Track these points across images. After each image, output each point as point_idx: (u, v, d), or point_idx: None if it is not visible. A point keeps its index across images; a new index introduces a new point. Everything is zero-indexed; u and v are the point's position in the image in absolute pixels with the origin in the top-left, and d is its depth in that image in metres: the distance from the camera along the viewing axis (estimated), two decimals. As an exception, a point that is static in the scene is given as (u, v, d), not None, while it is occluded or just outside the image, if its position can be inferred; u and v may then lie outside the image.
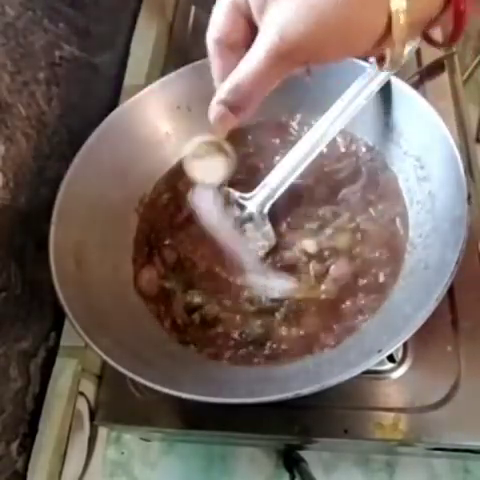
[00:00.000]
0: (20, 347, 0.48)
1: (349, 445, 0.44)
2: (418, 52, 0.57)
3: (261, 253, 0.44)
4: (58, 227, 0.41)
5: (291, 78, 0.47)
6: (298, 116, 0.51)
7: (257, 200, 0.45)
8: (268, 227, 0.45)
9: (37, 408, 0.50)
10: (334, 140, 0.49)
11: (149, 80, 0.58)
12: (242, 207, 0.45)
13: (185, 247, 0.47)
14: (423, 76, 0.55)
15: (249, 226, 0.45)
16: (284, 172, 0.44)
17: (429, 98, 0.41)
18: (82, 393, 0.49)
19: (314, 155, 0.43)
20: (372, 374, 0.42)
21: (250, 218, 0.45)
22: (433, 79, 0.55)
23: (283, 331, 0.41)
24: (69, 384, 0.50)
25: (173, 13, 0.71)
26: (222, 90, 0.28)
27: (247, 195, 0.45)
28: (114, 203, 0.47)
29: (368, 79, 0.43)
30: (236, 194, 0.45)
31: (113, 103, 0.62)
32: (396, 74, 0.44)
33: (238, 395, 0.33)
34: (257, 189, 0.45)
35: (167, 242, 0.48)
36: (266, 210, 0.45)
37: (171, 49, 0.68)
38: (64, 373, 0.51)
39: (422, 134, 0.41)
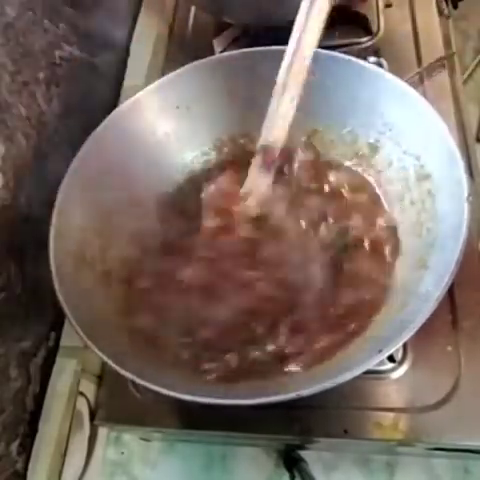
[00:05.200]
0: (20, 347, 0.48)
1: (349, 445, 0.44)
2: (418, 52, 0.57)
3: None
4: (58, 227, 0.41)
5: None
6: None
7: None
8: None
9: (37, 408, 0.50)
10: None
11: (149, 80, 0.58)
12: None
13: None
14: (423, 76, 0.55)
15: None
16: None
17: (429, 98, 0.41)
18: (82, 393, 0.49)
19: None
20: (372, 374, 0.41)
21: None
22: (433, 79, 0.55)
23: (284, 335, 0.41)
24: (69, 384, 0.50)
25: (173, 13, 0.71)
26: None
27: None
28: (114, 203, 0.47)
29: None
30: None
31: (113, 103, 0.62)
32: (396, 73, 0.44)
33: (238, 395, 0.33)
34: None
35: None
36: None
37: (171, 49, 0.68)
38: (64, 373, 0.51)
39: (422, 134, 0.41)
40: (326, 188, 0.48)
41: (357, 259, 0.43)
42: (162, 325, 0.42)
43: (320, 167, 0.49)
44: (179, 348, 0.40)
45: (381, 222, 0.45)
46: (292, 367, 0.39)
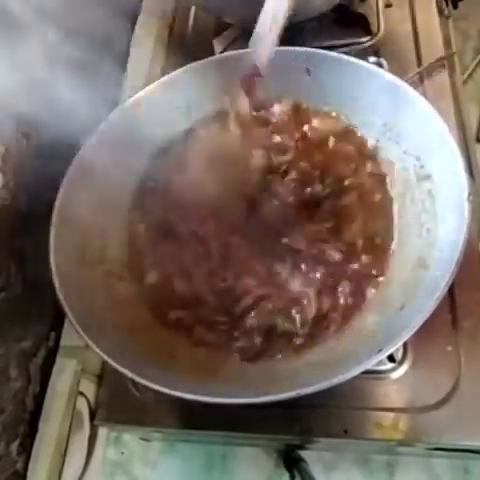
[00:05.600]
0: (20, 347, 0.48)
1: (349, 445, 0.44)
2: (418, 52, 0.57)
3: None
4: (58, 227, 0.41)
5: (291, 77, 0.47)
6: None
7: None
8: None
9: (37, 408, 0.50)
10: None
11: (149, 80, 0.58)
12: None
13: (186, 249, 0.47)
14: (423, 76, 0.55)
15: None
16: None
17: (429, 98, 0.41)
18: (82, 393, 0.49)
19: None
20: (372, 374, 0.42)
21: None
22: (433, 79, 0.55)
23: (284, 331, 0.41)
24: (69, 384, 0.50)
25: (173, 13, 0.71)
26: None
27: None
28: (114, 203, 0.47)
29: None
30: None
31: (113, 103, 0.62)
32: (396, 73, 0.44)
33: (238, 395, 0.33)
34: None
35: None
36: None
37: (171, 49, 0.68)
38: (64, 373, 0.51)
39: (422, 133, 0.41)
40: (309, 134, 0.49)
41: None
42: (198, 314, 0.43)
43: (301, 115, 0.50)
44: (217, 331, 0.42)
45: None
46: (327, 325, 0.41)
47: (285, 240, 0.44)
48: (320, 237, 0.44)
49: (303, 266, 0.43)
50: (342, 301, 0.41)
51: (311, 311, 0.41)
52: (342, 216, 0.45)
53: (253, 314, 0.42)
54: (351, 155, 0.47)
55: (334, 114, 0.48)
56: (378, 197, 0.45)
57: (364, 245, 0.43)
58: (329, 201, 0.46)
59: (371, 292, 0.41)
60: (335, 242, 0.44)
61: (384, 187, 0.45)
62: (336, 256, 0.43)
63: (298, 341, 0.41)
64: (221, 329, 0.42)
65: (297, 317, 0.41)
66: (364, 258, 0.43)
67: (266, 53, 0.41)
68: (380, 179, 0.46)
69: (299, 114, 0.50)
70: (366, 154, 0.47)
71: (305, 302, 0.42)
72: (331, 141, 0.48)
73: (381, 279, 0.42)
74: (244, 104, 0.43)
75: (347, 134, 0.48)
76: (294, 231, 0.44)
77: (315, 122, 0.49)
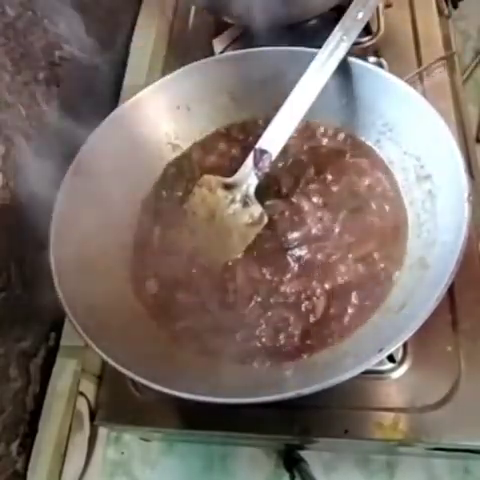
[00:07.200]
0: (20, 347, 0.48)
1: (349, 445, 0.44)
2: (418, 52, 0.58)
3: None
4: (58, 227, 0.41)
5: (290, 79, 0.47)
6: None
7: (240, 184, 0.45)
8: (255, 208, 0.45)
9: (37, 408, 0.50)
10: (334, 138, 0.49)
11: (149, 80, 0.58)
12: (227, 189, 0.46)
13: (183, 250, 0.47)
14: (423, 76, 0.55)
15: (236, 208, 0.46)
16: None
17: (429, 98, 0.41)
18: (82, 393, 0.49)
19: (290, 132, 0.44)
20: (372, 374, 0.42)
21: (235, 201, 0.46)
22: (433, 79, 0.55)
23: (284, 331, 0.41)
24: (69, 384, 0.50)
25: (173, 13, 0.71)
26: None
27: (230, 180, 0.46)
28: (114, 203, 0.47)
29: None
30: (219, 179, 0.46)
31: (113, 103, 0.62)
32: (396, 73, 0.44)
33: (238, 395, 0.33)
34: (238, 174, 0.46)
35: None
36: (252, 192, 0.45)
37: (171, 49, 0.68)
38: (64, 373, 0.51)
39: (422, 134, 0.41)
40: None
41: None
42: (203, 323, 0.43)
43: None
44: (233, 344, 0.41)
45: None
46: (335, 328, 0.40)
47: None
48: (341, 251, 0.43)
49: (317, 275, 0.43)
50: (351, 310, 0.41)
51: (317, 315, 0.41)
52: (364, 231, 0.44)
53: (263, 321, 0.42)
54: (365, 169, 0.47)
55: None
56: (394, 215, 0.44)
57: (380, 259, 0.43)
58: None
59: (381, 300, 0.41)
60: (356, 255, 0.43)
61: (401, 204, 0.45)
62: (360, 269, 0.42)
63: (302, 343, 0.40)
64: (228, 334, 0.42)
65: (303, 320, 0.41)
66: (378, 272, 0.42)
67: (281, 143, 0.44)
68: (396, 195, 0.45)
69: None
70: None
71: (313, 305, 0.41)
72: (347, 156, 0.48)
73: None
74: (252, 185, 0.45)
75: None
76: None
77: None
